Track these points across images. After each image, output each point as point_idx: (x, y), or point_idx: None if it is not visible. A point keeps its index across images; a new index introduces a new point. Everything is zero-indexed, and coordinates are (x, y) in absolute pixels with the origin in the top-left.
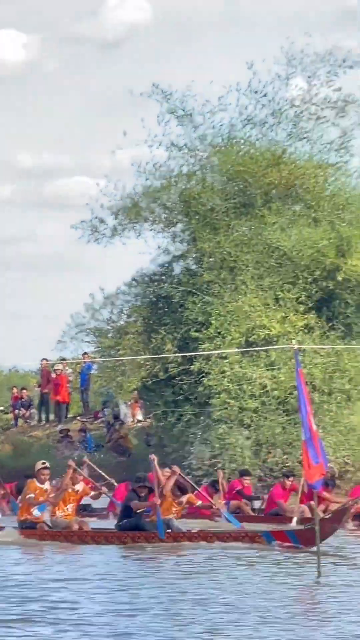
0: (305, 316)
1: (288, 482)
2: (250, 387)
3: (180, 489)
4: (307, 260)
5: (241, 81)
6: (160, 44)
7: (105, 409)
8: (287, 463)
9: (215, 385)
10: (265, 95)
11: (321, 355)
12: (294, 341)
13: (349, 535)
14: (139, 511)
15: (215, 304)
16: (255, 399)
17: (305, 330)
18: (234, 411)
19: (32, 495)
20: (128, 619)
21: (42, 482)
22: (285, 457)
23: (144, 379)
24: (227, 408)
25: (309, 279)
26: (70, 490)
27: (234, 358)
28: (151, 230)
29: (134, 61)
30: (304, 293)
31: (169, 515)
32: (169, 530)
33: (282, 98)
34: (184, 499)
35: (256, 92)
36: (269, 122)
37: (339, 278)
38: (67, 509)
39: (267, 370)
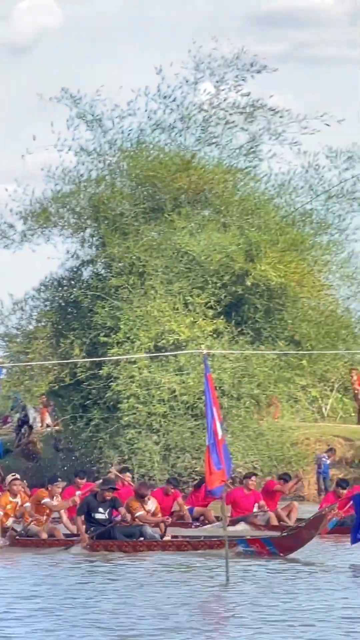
0: (214, 321)
1: (251, 483)
2: (159, 392)
3: (140, 495)
4: (216, 265)
5: (150, 86)
6: (70, 49)
7: (13, 413)
8: (195, 467)
9: (124, 390)
10: (174, 100)
11: (230, 360)
12: (202, 346)
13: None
14: (98, 517)
15: (124, 309)
16: (164, 404)
17: (214, 335)
18: (142, 416)
19: (1, 513)
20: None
21: (15, 495)
22: (194, 461)
23: (52, 384)
24: (135, 413)
25: (218, 284)
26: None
27: (143, 363)
28: (60, 235)
29: (44, 65)
30: (213, 298)
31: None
32: (142, 538)
33: (191, 103)
34: (151, 505)
35: (165, 96)
36: (178, 127)
37: (248, 283)
38: (41, 518)
39: (176, 375)
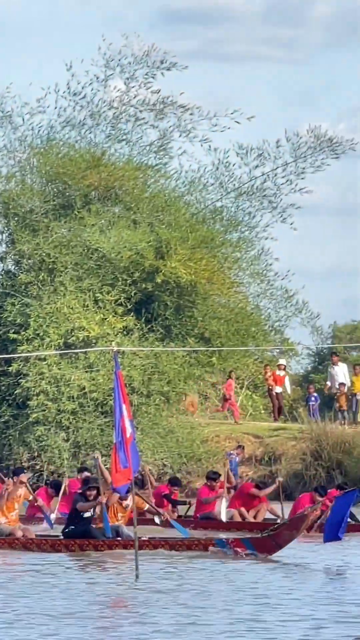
0: (124, 318)
1: (215, 484)
2: (68, 389)
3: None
4: (126, 262)
5: (60, 83)
6: None
7: None
8: (105, 465)
9: (33, 386)
10: (84, 97)
11: (140, 357)
12: (112, 343)
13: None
14: (86, 515)
15: (34, 306)
16: (73, 401)
17: (124, 332)
18: (52, 413)
19: None
20: None
21: None
22: (103, 459)
23: None
24: (45, 410)
25: (128, 281)
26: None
27: (53, 359)
28: None
29: None
30: (123, 295)
31: (115, 521)
32: (119, 538)
33: (101, 100)
34: (129, 501)
35: (75, 94)
36: (88, 124)
37: (158, 280)
38: (12, 516)
39: (86, 372)
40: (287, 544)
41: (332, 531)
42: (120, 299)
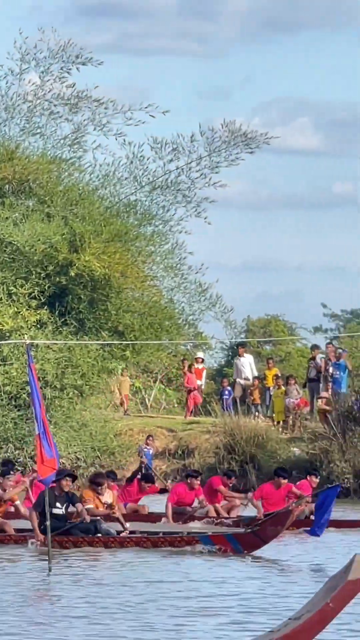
0: (38, 311)
1: (196, 482)
2: None
3: (96, 484)
4: (40, 256)
5: None
6: None
7: None
8: (19, 458)
9: None
10: None
11: (54, 351)
12: (26, 336)
13: None
14: (55, 511)
15: None
16: None
17: (38, 326)
18: None
19: None
20: None
21: None
22: (17, 452)
23: None
24: None
25: (42, 274)
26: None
27: None
28: None
29: None
30: (36, 288)
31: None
32: (99, 535)
33: (15, 93)
34: (107, 497)
35: None
36: (2, 117)
37: (72, 273)
38: None
39: None
40: (272, 539)
41: (314, 526)
42: (34, 292)
